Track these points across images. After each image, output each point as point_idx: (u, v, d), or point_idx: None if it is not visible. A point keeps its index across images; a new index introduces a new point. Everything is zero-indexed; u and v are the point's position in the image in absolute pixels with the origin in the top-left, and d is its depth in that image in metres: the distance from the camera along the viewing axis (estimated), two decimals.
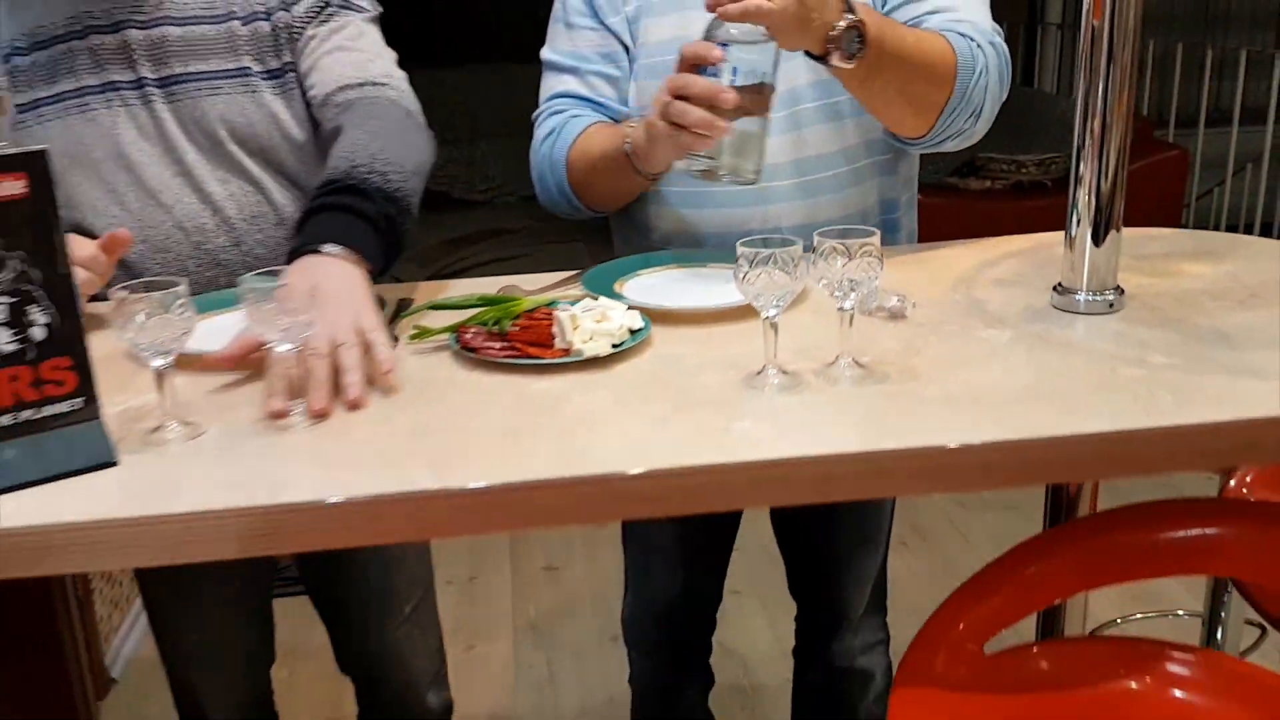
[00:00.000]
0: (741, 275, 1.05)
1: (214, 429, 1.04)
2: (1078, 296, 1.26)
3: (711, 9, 1.20)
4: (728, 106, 1.23)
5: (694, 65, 1.25)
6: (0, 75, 1.38)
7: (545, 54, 1.56)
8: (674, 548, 1.71)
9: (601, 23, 1.51)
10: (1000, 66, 1.38)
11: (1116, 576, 1.30)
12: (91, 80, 1.38)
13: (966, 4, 1.41)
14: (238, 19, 1.40)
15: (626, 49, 1.51)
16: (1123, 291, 1.28)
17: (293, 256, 1.18)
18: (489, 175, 5.54)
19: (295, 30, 1.41)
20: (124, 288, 0.99)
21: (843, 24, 1.22)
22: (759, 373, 1.09)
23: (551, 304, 1.22)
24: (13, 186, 0.90)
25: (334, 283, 1.13)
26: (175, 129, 1.40)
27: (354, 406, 1.04)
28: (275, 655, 1.67)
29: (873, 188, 1.52)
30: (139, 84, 1.38)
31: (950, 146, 1.42)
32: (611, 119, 1.51)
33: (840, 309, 1.09)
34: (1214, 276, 1.38)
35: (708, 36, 1.25)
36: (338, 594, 1.60)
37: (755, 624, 2.72)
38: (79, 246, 1.22)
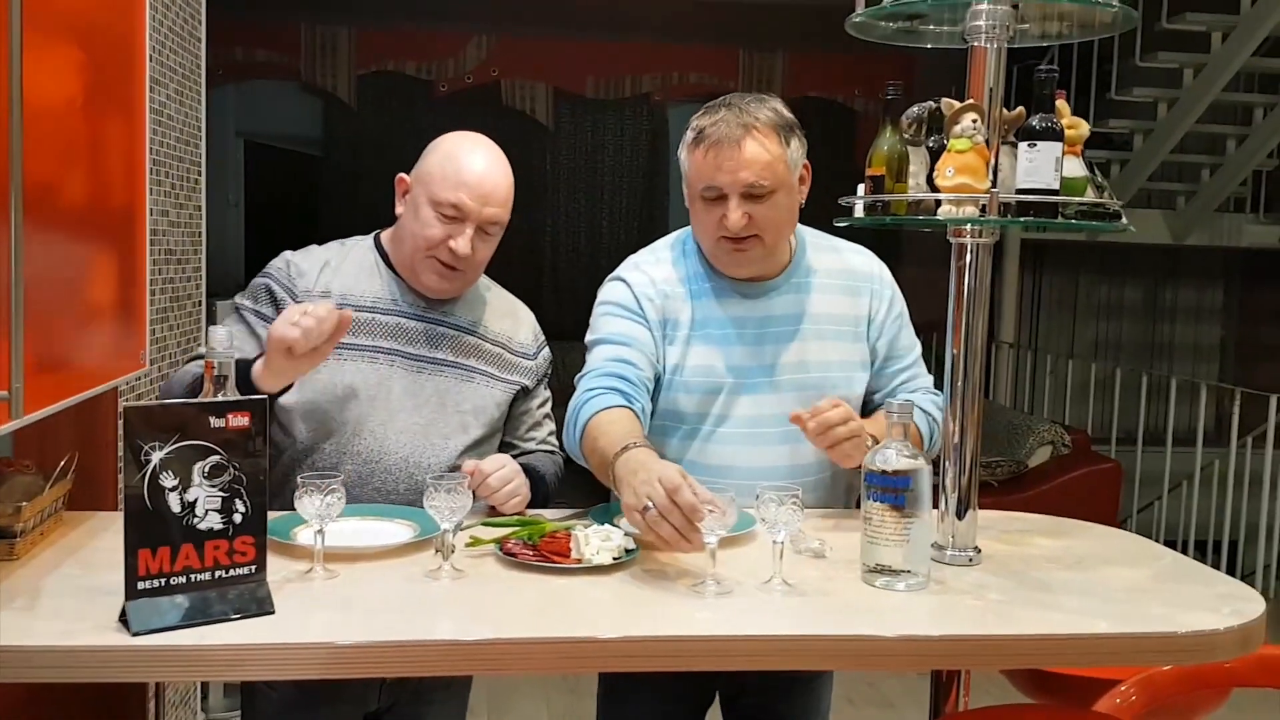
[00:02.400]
0: None
1: (344, 573, 1.56)
2: (946, 552, 1.76)
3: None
4: (698, 538, 1.57)
5: None
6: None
7: (595, 335, 2.00)
8: None
9: (649, 328, 1.99)
10: (941, 415, 1.92)
11: None
12: (384, 344, 1.94)
13: (920, 370, 2.10)
14: (505, 349, 2.06)
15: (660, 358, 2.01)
16: (979, 550, 1.77)
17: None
18: None
19: (534, 375, 2.10)
20: (304, 477, 1.53)
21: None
22: (701, 583, 1.58)
23: (569, 528, 1.71)
24: (241, 420, 1.42)
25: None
26: (431, 394, 1.96)
27: None
28: None
29: (843, 487, 2.06)
30: (417, 358, 1.96)
31: None
32: (637, 395, 1.91)
33: (774, 541, 1.58)
34: (1054, 548, 1.88)
35: None
36: None
37: None
38: (323, 306, 1.73)
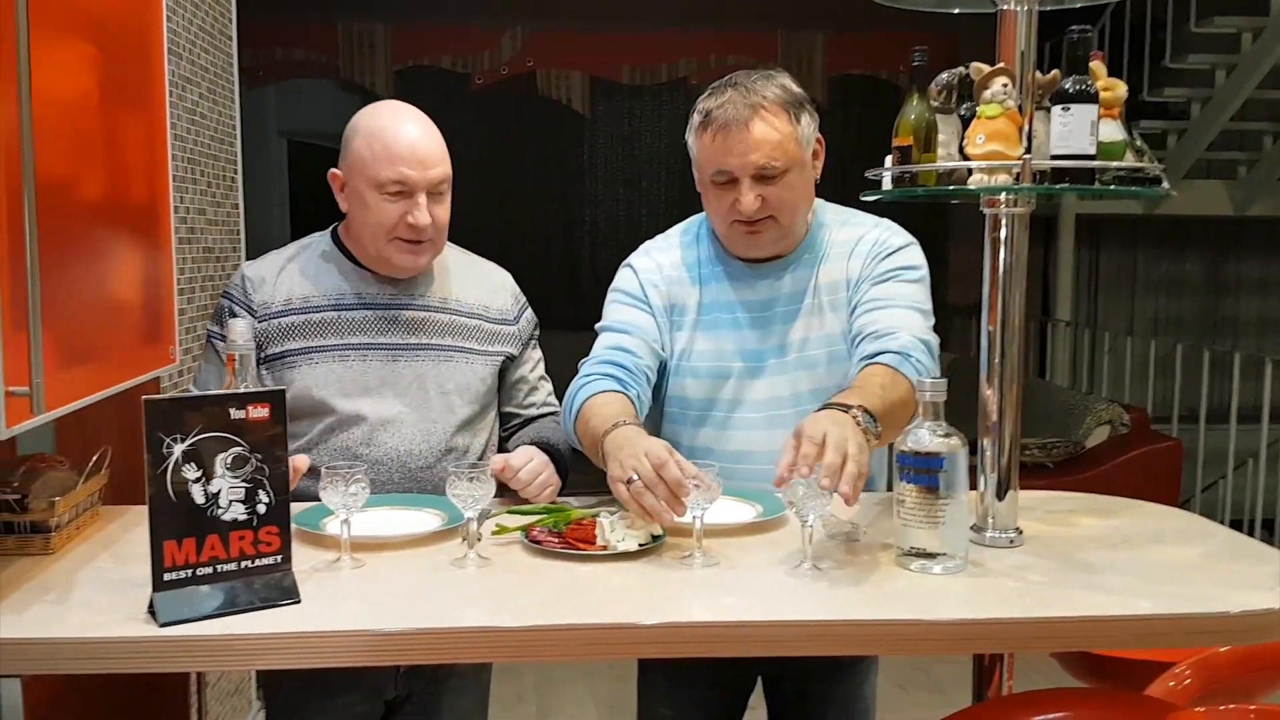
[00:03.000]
0: None
1: (371, 562, 1.56)
2: (986, 534, 1.71)
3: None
4: (682, 511, 1.57)
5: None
6: (258, 328, 1.88)
7: (602, 322, 2.00)
8: None
9: (653, 314, 1.99)
10: (930, 356, 1.84)
11: None
12: (354, 339, 1.91)
13: (902, 325, 1.85)
14: (483, 319, 2.01)
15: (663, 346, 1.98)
16: (1021, 532, 1.72)
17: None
18: None
19: (518, 341, 2.06)
20: (329, 468, 1.53)
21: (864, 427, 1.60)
22: (688, 555, 1.59)
23: (595, 514, 1.69)
24: (260, 411, 1.42)
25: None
26: (411, 381, 1.93)
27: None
28: None
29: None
30: (391, 347, 1.92)
31: None
32: (633, 382, 1.90)
33: (803, 525, 1.56)
34: (1100, 527, 1.83)
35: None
36: None
37: None
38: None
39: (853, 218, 2.05)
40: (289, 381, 1.88)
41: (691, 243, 2.04)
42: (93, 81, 1.49)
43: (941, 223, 6.53)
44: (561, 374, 2.05)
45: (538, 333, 2.13)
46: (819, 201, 2.04)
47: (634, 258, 2.06)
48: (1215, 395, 5.97)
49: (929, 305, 1.95)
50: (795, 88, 1.92)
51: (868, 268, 1.96)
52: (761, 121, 1.85)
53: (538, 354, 2.13)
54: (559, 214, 6.85)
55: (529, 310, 2.12)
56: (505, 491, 1.85)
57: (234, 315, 1.91)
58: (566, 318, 6.76)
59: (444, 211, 1.92)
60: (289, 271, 1.95)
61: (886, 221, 2.03)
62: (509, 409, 2.08)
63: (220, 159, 3.14)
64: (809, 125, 1.91)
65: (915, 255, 1.98)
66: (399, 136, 1.85)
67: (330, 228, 2.03)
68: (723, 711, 2.05)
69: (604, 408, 1.80)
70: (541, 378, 2.12)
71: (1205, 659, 1.93)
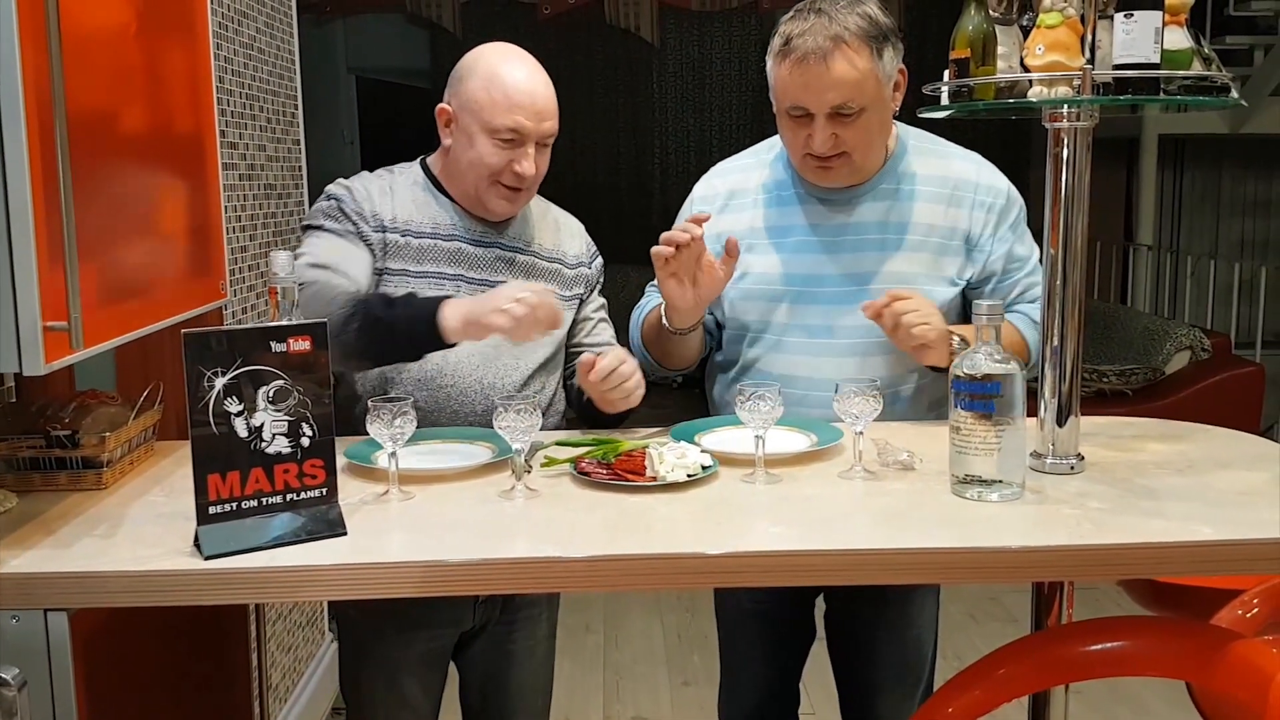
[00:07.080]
0: (741, 403, 1.57)
1: (420, 495, 1.57)
2: (1045, 460, 1.66)
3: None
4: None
5: None
6: (374, 237, 1.89)
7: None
8: (758, 653, 2.12)
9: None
10: None
11: (1063, 679, 1.67)
12: (448, 269, 1.92)
13: (1037, 278, 1.96)
14: (562, 264, 2.03)
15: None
16: (1083, 458, 1.67)
17: None
18: None
19: (589, 284, 2.08)
20: (373, 401, 1.53)
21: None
22: (751, 474, 1.60)
23: (645, 446, 1.67)
24: (302, 345, 1.42)
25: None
26: None
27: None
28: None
29: (925, 404, 1.98)
30: (482, 282, 1.91)
31: None
32: None
33: (856, 432, 1.61)
34: (1165, 452, 1.77)
35: None
36: (484, 682, 2.01)
37: None
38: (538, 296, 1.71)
39: (936, 147, 2.00)
40: None
41: (763, 164, 2.04)
42: (127, 13, 1.48)
43: (1024, 146, 6.33)
44: (632, 307, 2.10)
45: (603, 279, 2.15)
46: (900, 126, 1.98)
47: (702, 180, 2.09)
48: None
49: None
50: (883, 17, 1.84)
51: (984, 222, 1.95)
52: (842, 57, 1.78)
53: (601, 299, 2.14)
54: (629, 145, 6.77)
55: (599, 257, 2.13)
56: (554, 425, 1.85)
57: (343, 214, 1.90)
58: (637, 250, 6.76)
59: (545, 163, 1.92)
60: (390, 193, 1.95)
61: (975, 156, 2.00)
62: (571, 346, 2.07)
63: (280, 94, 3.14)
64: (892, 60, 1.84)
65: (1015, 192, 2.00)
66: (519, 85, 1.85)
67: (418, 159, 2.03)
68: (791, 617, 2.10)
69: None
70: (603, 320, 2.12)
71: (1274, 587, 1.88)
